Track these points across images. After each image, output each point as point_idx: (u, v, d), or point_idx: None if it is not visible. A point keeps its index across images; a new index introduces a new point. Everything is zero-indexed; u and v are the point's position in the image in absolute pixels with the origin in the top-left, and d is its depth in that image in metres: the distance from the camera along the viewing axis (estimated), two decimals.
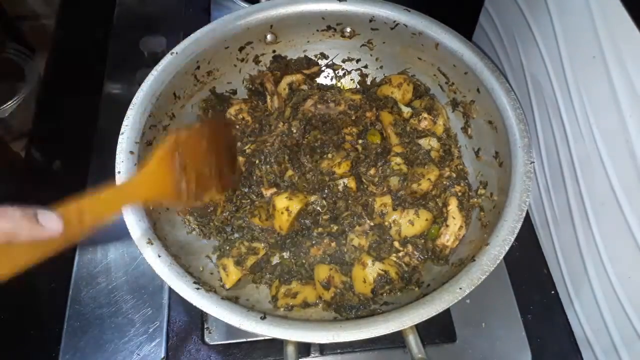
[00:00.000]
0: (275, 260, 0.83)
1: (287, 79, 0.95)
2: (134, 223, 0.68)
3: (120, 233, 0.90)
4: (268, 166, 0.84)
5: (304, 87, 0.96)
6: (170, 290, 0.70)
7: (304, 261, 0.81)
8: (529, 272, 0.90)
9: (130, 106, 0.77)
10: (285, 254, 0.83)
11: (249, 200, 0.84)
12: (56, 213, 0.50)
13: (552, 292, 0.89)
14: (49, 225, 0.48)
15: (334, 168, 0.84)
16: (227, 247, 0.80)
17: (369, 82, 1.01)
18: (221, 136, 0.78)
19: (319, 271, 0.78)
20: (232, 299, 0.68)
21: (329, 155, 0.86)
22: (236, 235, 0.83)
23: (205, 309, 0.63)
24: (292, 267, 0.80)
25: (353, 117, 0.91)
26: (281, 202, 0.79)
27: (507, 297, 0.86)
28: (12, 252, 0.47)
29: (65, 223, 0.50)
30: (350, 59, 0.99)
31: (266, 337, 0.66)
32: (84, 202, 0.56)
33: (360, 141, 0.89)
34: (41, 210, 0.48)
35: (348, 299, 0.76)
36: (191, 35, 0.85)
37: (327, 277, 0.76)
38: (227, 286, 0.76)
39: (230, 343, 0.81)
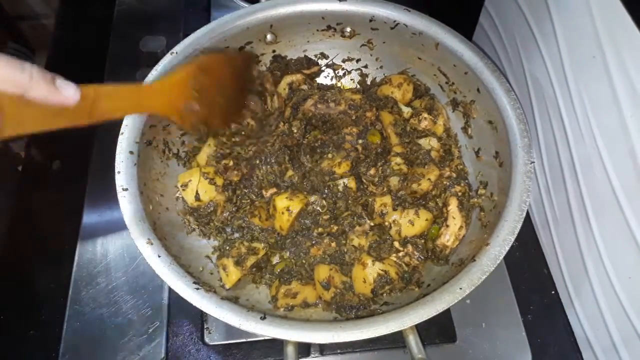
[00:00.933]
0: (275, 260, 0.83)
1: (287, 79, 0.95)
2: (134, 223, 0.68)
3: (120, 233, 0.90)
4: (268, 166, 0.84)
5: (304, 87, 0.96)
6: (170, 290, 0.70)
7: (304, 261, 0.81)
8: (529, 272, 0.90)
9: None
10: (286, 254, 0.83)
11: (249, 200, 0.84)
12: (74, 84, 0.49)
13: (552, 292, 0.89)
14: (65, 91, 0.48)
15: (334, 168, 0.84)
16: (227, 247, 0.80)
17: (369, 82, 1.00)
18: (241, 72, 0.79)
19: (319, 271, 0.78)
20: (232, 299, 0.68)
21: (329, 155, 0.86)
22: (236, 235, 0.83)
23: (205, 309, 0.63)
24: (292, 267, 0.80)
25: (353, 117, 0.91)
26: (282, 202, 0.79)
27: (507, 297, 0.86)
28: (23, 109, 0.46)
29: (81, 98, 0.50)
30: (350, 59, 0.99)
31: (266, 337, 0.66)
32: (101, 89, 0.55)
33: (360, 141, 0.89)
34: (59, 76, 0.48)
35: (348, 299, 0.76)
36: (191, 35, 0.85)
37: (327, 277, 0.76)
38: (227, 286, 0.76)
39: (230, 343, 0.81)
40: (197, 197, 0.82)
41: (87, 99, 0.52)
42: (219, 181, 0.83)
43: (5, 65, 0.43)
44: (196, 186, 0.81)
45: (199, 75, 0.68)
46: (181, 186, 0.82)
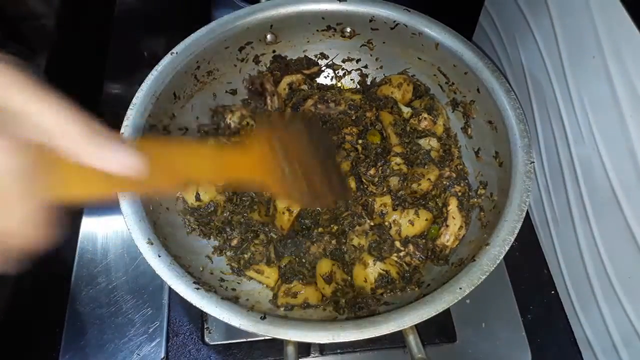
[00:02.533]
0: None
1: (287, 79, 0.95)
2: (134, 223, 0.68)
3: (120, 233, 0.90)
4: None
5: (304, 87, 0.96)
6: (170, 290, 0.70)
7: (304, 260, 0.81)
8: (529, 272, 0.90)
9: (130, 106, 0.77)
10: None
11: (249, 199, 0.84)
12: (134, 151, 0.40)
13: (552, 292, 0.89)
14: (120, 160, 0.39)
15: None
16: (246, 256, 0.80)
17: (369, 82, 1.01)
18: (318, 136, 0.66)
19: (321, 265, 0.78)
20: (232, 299, 0.68)
21: None
22: (235, 232, 0.83)
23: (205, 309, 0.63)
24: (295, 265, 0.80)
25: (353, 117, 0.91)
26: (282, 202, 0.79)
27: (507, 297, 0.86)
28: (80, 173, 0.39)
29: (151, 166, 0.40)
30: (350, 59, 0.99)
31: (266, 337, 0.66)
32: (178, 150, 0.44)
33: (360, 141, 0.89)
34: (115, 139, 0.40)
35: (348, 296, 0.76)
36: (191, 35, 0.85)
37: (329, 272, 0.76)
38: (272, 285, 0.78)
39: (230, 343, 0.81)
40: (198, 198, 0.82)
41: (157, 169, 0.43)
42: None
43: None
44: (196, 186, 0.81)
45: (275, 139, 0.57)
46: None
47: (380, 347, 0.81)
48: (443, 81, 0.92)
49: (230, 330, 0.81)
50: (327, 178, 0.64)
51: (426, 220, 0.81)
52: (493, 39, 1.02)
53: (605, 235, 0.73)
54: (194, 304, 0.63)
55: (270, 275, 0.78)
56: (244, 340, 0.81)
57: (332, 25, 0.93)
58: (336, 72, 1.01)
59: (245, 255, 0.80)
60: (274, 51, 0.96)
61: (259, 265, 0.79)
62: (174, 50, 0.83)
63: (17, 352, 0.83)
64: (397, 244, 0.81)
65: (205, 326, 0.81)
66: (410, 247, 0.80)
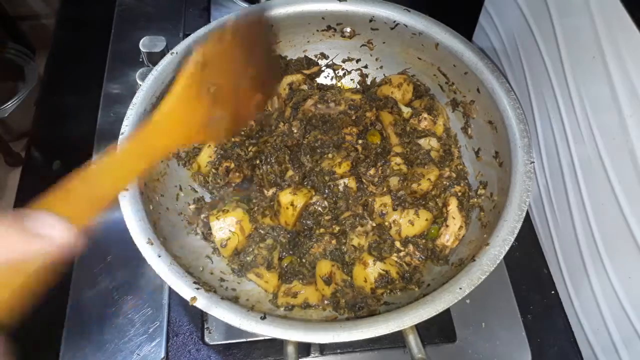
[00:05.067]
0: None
1: (287, 79, 0.95)
2: (134, 223, 0.68)
3: (120, 233, 0.90)
4: (269, 166, 0.84)
5: (304, 87, 0.96)
6: (170, 290, 0.70)
7: (304, 260, 0.81)
8: (529, 272, 0.90)
9: (130, 106, 0.77)
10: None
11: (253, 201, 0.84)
12: (49, 214, 0.39)
13: (552, 292, 0.89)
14: (42, 230, 0.38)
15: (334, 168, 0.84)
16: (248, 259, 0.80)
17: (369, 82, 1.01)
18: (257, 38, 0.63)
19: (320, 266, 0.78)
20: (232, 299, 0.68)
21: (329, 155, 0.86)
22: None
23: (205, 309, 0.63)
24: (296, 266, 0.80)
25: (353, 117, 0.91)
26: (285, 197, 0.79)
27: (507, 297, 0.86)
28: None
29: (73, 218, 0.39)
30: (350, 59, 0.99)
31: (266, 337, 0.66)
32: (87, 177, 0.44)
33: (360, 141, 0.89)
34: (29, 214, 0.38)
35: (348, 296, 0.76)
36: (191, 35, 0.85)
37: (328, 273, 0.76)
38: (270, 291, 0.78)
39: (230, 343, 0.81)
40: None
41: (78, 212, 0.42)
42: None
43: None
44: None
45: (204, 77, 0.53)
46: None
47: (380, 347, 0.81)
48: (443, 81, 0.92)
49: (230, 330, 0.81)
50: (255, 89, 0.62)
51: (426, 220, 0.81)
52: (493, 39, 1.02)
53: (606, 235, 0.73)
54: (194, 304, 0.63)
55: (270, 280, 0.78)
56: (244, 340, 0.81)
57: (332, 25, 0.93)
58: (336, 72, 1.01)
59: (248, 258, 0.80)
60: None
61: (259, 268, 0.79)
62: (174, 50, 0.83)
63: (18, 352, 0.83)
64: (397, 244, 0.81)
65: (205, 326, 0.81)
66: (410, 247, 0.80)
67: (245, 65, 0.60)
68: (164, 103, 0.51)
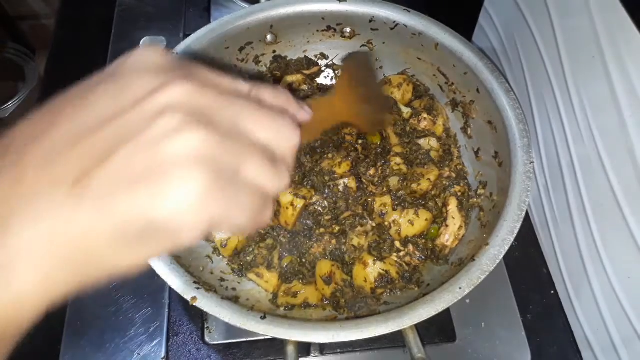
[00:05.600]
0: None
1: (287, 79, 0.95)
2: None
3: None
4: None
5: (304, 87, 0.96)
6: (170, 290, 0.70)
7: (304, 260, 0.81)
8: (529, 272, 0.90)
9: None
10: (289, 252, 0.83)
11: None
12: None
13: (552, 292, 0.89)
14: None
15: (334, 168, 0.84)
16: (248, 259, 0.80)
17: None
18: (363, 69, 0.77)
19: (320, 266, 0.78)
20: (232, 299, 0.68)
21: (329, 155, 0.86)
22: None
23: (205, 309, 0.63)
24: (296, 266, 0.80)
25: None
26: (285, 197, 0.79)
27: (507, 297, 0.86)
28: None
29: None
30: None
31: (266, 337, 0.66)
32: (314, 104, 0.53)
33: (360, 141, 0.89)
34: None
35: (348, 297, 0.76)
36: (191, 36, 0.85)
37: (328, 272, 0.76)
38: (270, 291, 0.78)
39: (230, 343, 0.81)
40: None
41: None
42: None
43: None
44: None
45: (356, 77, 0.68)
46: None
47: (380, 347, 0.81)
48: (443, 81, 0.92)
49: (230, 330, 0.81)
50: (375, 104, 0.76)
51: (426, 220, 0.81)
52: (493, 39, 1.02)
53: (605, 235, 0.73)
54: (194, 304, 0.63)
55: (270, 280, 0.78)
56: (244, 340, 0.81)
57: (332, 25, 0.93)
58: (336, 72, 1.01)
59: (248, 258, 0.80)
60: (274, 51, 0.96)
61: (259, 268, 0.79)
62: (174, 50, 0.83)
63: (17, 352, 0.83)
64: (397, 244, 0.81)
65: (205, 326, 0.81)
66: (410, 247, 0.80)
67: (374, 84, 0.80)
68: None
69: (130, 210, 0.29)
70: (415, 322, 0.62)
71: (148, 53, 0.37)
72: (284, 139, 0.38)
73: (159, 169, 0.30)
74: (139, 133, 0.31)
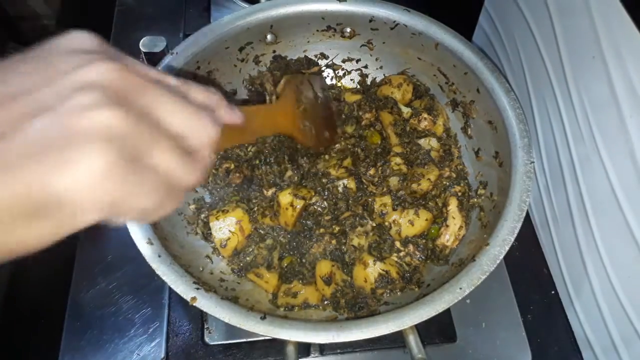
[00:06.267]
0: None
1: (287, 79, 0.95)
2: (134, 223, 0.68)
3: (120, 233, 0.90)
4: (268, 167, 0.84)
5: None
6: (170, 290, 0.70)
7: (304, 260, 0.81)
8: (529, 272, 0.90)
9: None
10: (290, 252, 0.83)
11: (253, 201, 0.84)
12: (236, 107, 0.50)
13: (552, 292, 0.89)
14: (237, 115, 0.48)
15: (329, 169, 0.84)
16: (248, 259, 0.80)
17: (369, 82, 1.01)
18: (319, 94, 0.85)
19: (320, 266, 0.78)
20: (232, 299, 0.68)
21: (325, 157, 0.86)
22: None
23: (205, 309, 0.63)
24: (296, 266, 0.80)
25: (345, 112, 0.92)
26: (285, 198, 0.79)
27: (507, 297, 0.86)
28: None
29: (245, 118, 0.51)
30: (350, 59, 0.99)
31: (266, 337, 0.66)
32: (250, 109, 0.60)
33: (353, 140, 0.89)
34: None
35: (348, 297, 0.76)
36: (191, 36, 0.85)
37: (328, 273, 0.76)
38: (270, 291, 0.78)
39: (230, 343, 0.81)
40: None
41: (246, 118, 0.54)
42: None
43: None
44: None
45: (300, 95, 0.75)
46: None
47: (380, 347, 0.81)
48: (443, 81, 0.92)
49: (230, 330, 0.81)
50: (324, 127, 0.84)
51: (426, 220, 0.81)
52: (493, 39, 1.02)
53: (605, 235, 0.73)
54: (194, 304, 0.63)
55: (270, 280, 0.78)
56: (244, 340, 0.81)
57: (332, 25, 0.93)
58: (336, 72, 1.01)
59: (248, 258, 0.80)
60: (274, 51, 0.96)
61: (259, 268, 0.79)
62: (174, 50, 0.83)
63: (18, 352, 0.83)
64: (397, 244, 0.81)
65: (205, 326, 0.81)
66: (410, 247, 0.80)
67: (317, 104, 0.82)
68: (277, 102, 0.73)
69: (32, 182, 0.29)
70: (416, 322, 0.62)
71: (77, 35, 0.37)
72: (201, 133, 0.38)
73: (65, 143, 0.30)
74: (54, 106, 0.31)
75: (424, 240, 0.81)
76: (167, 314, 0.83)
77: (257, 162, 0.85)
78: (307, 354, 0.80)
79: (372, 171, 0.85)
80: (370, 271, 0.76)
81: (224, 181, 0.84)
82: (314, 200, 0.82)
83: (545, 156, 0.87)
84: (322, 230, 0.82)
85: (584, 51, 0.71)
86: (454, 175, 0.86)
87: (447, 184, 0.85)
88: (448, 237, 0.79)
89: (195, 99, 0.42)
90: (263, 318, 0.62)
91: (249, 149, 0.87)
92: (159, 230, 0.71)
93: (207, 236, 0.81)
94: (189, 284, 0.64)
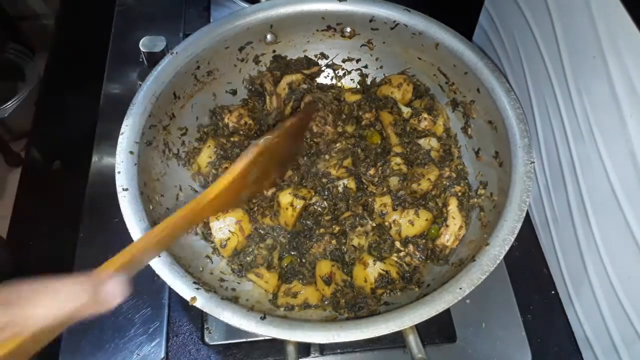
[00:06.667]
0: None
1: (287, 78, 0.95)
2: (134, 223, 0.68)
3: (120, 233, 0.90)
4: None
5: (304, 86, 0.96)
6: (170, 290, 0.70)
7: (304, 260, 0.81)
8: (529, 272, 0.90)
9: (130, 106, 0.77)
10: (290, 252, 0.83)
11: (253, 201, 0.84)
12: (121, 277, 0.46)
13: (552, 292, 0.89)
14: (111, 297, 0.44)
15: (329, 169, 0.84)
16: (248, 259, 0.80)
17: (369, 82, 1.01)
18: (303, 127, 0.78)
19: (320, 266, 0.78)
20: (232, 299, 0.68)
21: (325, 157, 0.86)
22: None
23: (205, 309, 0.63)
24: (296, 266, 0.80)
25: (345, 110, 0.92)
26: (285, 198, 0.79)
27: (507, 297, 0.86)
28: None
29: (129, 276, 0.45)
30: (350, 59, 0.99)
31: (266, 337, 0.66)
32: (141, 244, 0.52)
33: (352, 140, 0.89)
34: (105, 280, 0.44)
35: (348, 297, 0.76)
36: (191, 35, 0.85)
37: (328, 273, 0.76)
38: (270, 291, 0.78)
39: (230, 343, 0.81)
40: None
41: (133, 269, 0.49)
42: None
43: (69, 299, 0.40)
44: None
45: (258, 161, 0.65)
46: None
47: (380, 347, 0.81)
48: (443, 81, 0.92)
49: (230, 330, 0.81)
50: (284, 164, 0.76)
51: (426, 220, 0.81)
52: (493, 39, 1.02)
53: (605, 235, 0.73)
54: (194, 304, 0.63)
55: (269, 280, 0.78)
56: (244, 340, 0.81)
57: (332, 25, 0.93)
58: (336, 72, 1.01)
59: (248, 258, 0.80)
60: (274, 51, 0.96)
61: (259, 268, 0.79)
62: (174, 50, 0.83)
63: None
64: (397, 244, 0.81)
65: (205, 326, 0.81)
66: (410, 247, 0.80)
67: (286, 152, 0.74)
68: (220, 183, 0.60)
69: None
70: (416, 322, 0.62)
71: None
72: None
73: None
74: None
75: (424, 240, 0.81)
76: (167, 314, 0.83)
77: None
78: (307, 354, 0.80)
79: (372, 171, 0.84)
80: (370, 271, 0.76)
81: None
82: (314, 200, 0.82)
83: (545, 156, 0.87)
84: (322, 230, 0.82)
85: (584, 51, 0.71)
86: (454, 175, 0.86)
87: (447, 184, 0.85)
88: (448, 237, 0.79)
89: None
90: (263, 318, 0.62)
91: None
92: None
93: (207, 236, 0.81)
94: (189, 284, 0.64)
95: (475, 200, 0.83)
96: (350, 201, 0.84)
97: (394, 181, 0.84)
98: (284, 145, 0.71)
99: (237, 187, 0.62)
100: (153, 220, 0.71)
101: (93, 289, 0.42)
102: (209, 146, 0.87)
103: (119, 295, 0.44)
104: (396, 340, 0.80)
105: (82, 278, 0.41)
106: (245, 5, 1.17)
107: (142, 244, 0.50)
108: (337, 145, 0.88)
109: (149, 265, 0.65)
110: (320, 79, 1.01)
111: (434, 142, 0.89)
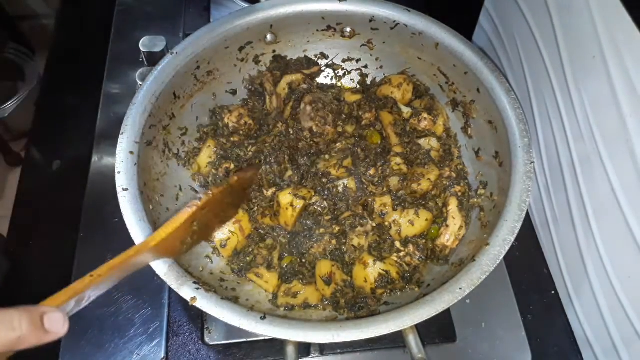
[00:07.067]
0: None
1: (287, 78, 0.95)
2: (134, 223, 0.68)
3: (120, 233, 0.90)
4: (268, 166, 0.84)
5: (304, 86, 0.96)
6: (170, 290, 0.70)
7: (304, 260, 0.81)
8: (529, 272, 0.90)
9: (130, 106, 0.77)
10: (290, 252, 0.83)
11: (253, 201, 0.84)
12: (62, 313, 0.49)
13: (552, 292, 0.89)
14: (54, 328, 0.47)
15: (329, 169, 0.84)
16: (248, 259, 0.80)
17: (369, 82, 1.01)
18: (245, 186, 0.81)
19: (320, 266, 0.78)
20: (232, 299, 0.68)
21: (325, 157, 0.86)
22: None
23: (205, 309, 0.63)
24: (296, 266, 0.80)
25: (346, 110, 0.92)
26: (285, 198, 0.79)
27: (507, 297, 0.86)
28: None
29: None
30: (350, 59, 0.99)
31: (266, 337, 0.66)
32: (79, 286, 0.56)
33: (352, 140, 0.89)
34: (48, 311, 0.46)
35: (348, 297, 0.76)
36: (191, 35, 0.85)
37: (328, 273, 0.76)
38: (270, 291, 0.78)
39: (230, 343, 0.81)
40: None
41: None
42: None
43: None
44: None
45: (200, 213, 0.67)
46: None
47: (380, 347, 0.81)
48: (443, 81, 0.92)
49: (230, 330, 0.81)
50: (229, 211, 0.79)
51: (426, 220, 0.81)
52: (493, 39, 1.02)
53: (605, 235, 0.73)
54: (194, 304, 0.63)
55: (269, 280, 0.78)
56: (244, 340, 0.81)
57: (332, 25, 0.93)
58: (336, 72, 1.01)
59: (248, 258, 0.80)
60: (274, 51, 0.96)
61: (259, 268, 0.79)
62: (174, 50, 0.83)
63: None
64: (397, 244, 0.81)
65: (205, 326, 0.81)
66: (410, 247, 0.80)
67: (230, 202, 0.77)
68: (163, 230, 0.63)
69: None
70: (416, 322, 0.62)
71: None
72: None
73: None
74: None
75: (424, 240, 0.81)
76: (167, 314, 0.83)
77: (257, 162, 0.85)
78: (307, 354, 0.80)
79: (372, 171, 0.84)
80: (370, 271, 0.76)
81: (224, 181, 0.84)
82: (314, 200, 0.82)
83: (545, 156, 0.87)
84: (322, 230, 0.82)
85: (584, 51, 0.71)
86: (454, 175, 0.86)
87: (447, 184, 0.85)
88: (448, 237, 0.79)
89: None
90: (263, 318, 0.62)
91: (248, 149, 0.87)
92: None
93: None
94: (189, 284, 0.64)
95: (475, 200, 0.83)
96: (350, 201, 0.84)
97: (394, 181, 0.84)
98: (225, 201, 0.75)
99: (179, 236, 0.65)
100: (153, 220, 0.71)
101: (33, 320, 0.44)
102: (209, 146, 0.87)
103: (61, 328, 0.47)
104: (396, 340, 0.80)
105: (22, 310, 0.44)
106: (245, 5, 1.17)
107: (82, 286, 0.56)
108: (337, 145, 0.88)
109: (149, 265, 0.65)
110: (320, 79, 1.01)
111: (434, 142, 0.89)
